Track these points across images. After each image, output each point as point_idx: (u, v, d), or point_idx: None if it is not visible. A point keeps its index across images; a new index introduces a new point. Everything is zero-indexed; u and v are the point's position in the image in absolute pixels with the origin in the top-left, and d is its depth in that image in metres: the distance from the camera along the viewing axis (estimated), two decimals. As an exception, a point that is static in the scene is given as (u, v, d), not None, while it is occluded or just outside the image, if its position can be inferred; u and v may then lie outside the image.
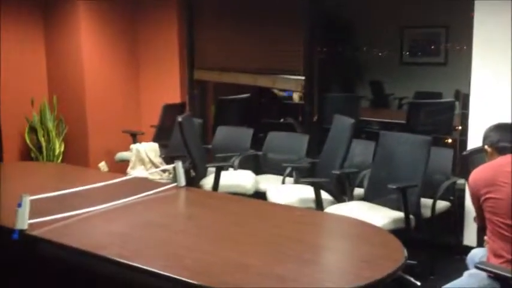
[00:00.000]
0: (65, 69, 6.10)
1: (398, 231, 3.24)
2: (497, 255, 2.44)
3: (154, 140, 5.77)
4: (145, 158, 5.47)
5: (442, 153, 4.30)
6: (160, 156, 5.49)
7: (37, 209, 2.70)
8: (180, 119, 4.43)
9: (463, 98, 5.55)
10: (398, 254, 2.38)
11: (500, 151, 2.60)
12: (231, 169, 4.86)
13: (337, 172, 4.05)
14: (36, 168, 4.72)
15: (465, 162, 3.09)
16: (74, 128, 6.11)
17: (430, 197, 3.96)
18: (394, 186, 3.58)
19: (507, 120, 3.55)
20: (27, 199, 2.64)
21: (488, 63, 4.05)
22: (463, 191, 4.11)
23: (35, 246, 2.73)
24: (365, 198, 4.06)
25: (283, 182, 4.62)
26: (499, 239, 2.43)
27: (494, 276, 2.38)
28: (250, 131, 5.41)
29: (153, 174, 5.09)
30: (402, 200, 3.57)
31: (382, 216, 3.59)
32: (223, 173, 4.46)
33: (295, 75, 5.47)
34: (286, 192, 4.21)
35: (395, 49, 7.74)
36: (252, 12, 5.77)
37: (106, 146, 6.11)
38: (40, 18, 6.13)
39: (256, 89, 6.86)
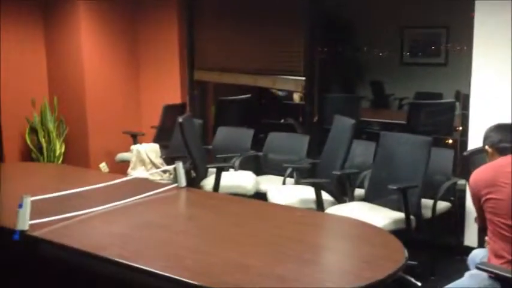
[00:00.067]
0: (65, 69, 6.10)
1: (399, 232, 3.24)
2: (498, 256, 2.44)
3: (154, 141, 5.77)
4: (145, 158, 5.47)
5: (442, 153, 4.30)
6: (160, 157, 5.50)
7: (38, 210, 2.70)
8: (180, 119, 4.44)
9: (464, 99, 5.55)
10: (399, 255, 2.38)
11: (501, 151, 2.60)
12: (231, 170, 4.86)
13: (338, 173, 4.05)
14: (36, 169, 4.72)
15: (466, 162, 3.09)
16: (75, 129, 6.11)
17: (431, 198, 3.96)
18: (395, 187, 3.58)
19: (508, 121, 3.55)
20: (28, 200, 2.64)
21: (489, 64, 4.05)
22: (464, 191, 4.11)
23: (35, 247, 2.73)
24: (366, 198, 4.05)
25: (283, 183, 4.62)
26: (499, 239, 2.43)
27: (495, 277, 2.38)
28: (251, 132, 5.41)
29: (154, 175, 5.09)
30: (403, 201, 3.57)
31: (382, 216, 3.59)
32: (223, 174, 4.45)
33: (295, 75, 5.47)
34: (287, 192, 4.21)
35: (396, 49, 7.74)
36: (252, 12, 5.77)
37: (106, 146, 6.11)
38: (40, 18, 6.13)
39: (257, 90, 6.86)
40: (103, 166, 6.14)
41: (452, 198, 4.13)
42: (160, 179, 5.13)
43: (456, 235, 4.23)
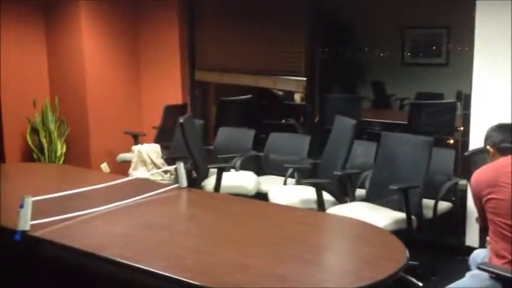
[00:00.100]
0: (66, 70, 6.11)
1: (400, 232, 3.23)
2: (499, 256, 2.44)
3: (155, 141, 5.78)
4: (147, 159, 5.47)
5: (443, 154, 4.30)
6: (161, 157, 5.50)
7: (39, 210, 2.70)
8: (181, 120, 4.44)
9: (465, 99, 5.54)
10: (400, 255, 2.38)
11: (503, 151, 2.59)
12: (232, 170, 4.86)
13: (339, 173, 4.05)
14: (38, 169, 4.72)
15: (467, 162, 3.09)
16: (76, 129, 6.11)
17: (432, 198, 3.96)
18: (396, 187, 3.58)
19: (509, 121, 3.55)
20: (29, 200, 2.64)
21: (490, 64, 4.04)
22: (465, 191, 4.11)
23: (37, 247, 2.74)
24: (367, 199, 4.05)
25: (284, 183, 4.62)
26: (501, 239, 2.43)
27: (497, 277, 2.37)
28: (252, 132, 5.41)
29: (155, 175, 5.09)
30: (404, 201, 3.56)
31: (383, 217, 3.59)
32: (224, 174, 4.46)
33: (296, 76, 5.48)
34: (288, 193, 4.21)
35: (397, 50, 7.73)
36: (253, 13, 5.77)
37: (108, 147, 6.11)
38: (41, 18, 6.14)
39: (258, 90, 6.86)
40: (104, 166, 6.15)
41: (453, 199, 4.13)
42: (161, 180, 5.14)
43: (457, 235, 4.23)
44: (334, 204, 3.97)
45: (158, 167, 5.40)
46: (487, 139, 2.69)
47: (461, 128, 5.71)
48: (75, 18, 5.93)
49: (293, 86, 5.63)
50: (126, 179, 3.67)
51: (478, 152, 3.02)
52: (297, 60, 5.46)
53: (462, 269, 2.75)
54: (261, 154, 5.21)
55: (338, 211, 3.70)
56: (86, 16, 5.91)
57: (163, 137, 5.73)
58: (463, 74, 4.49)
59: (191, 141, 4.49)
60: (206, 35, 6.15)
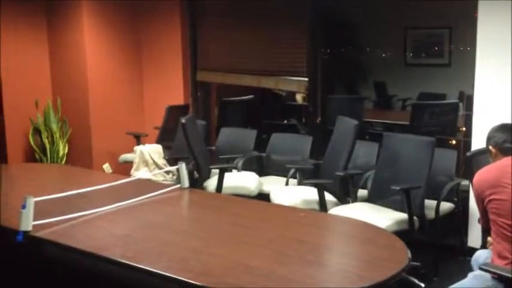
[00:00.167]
0: (68, 70, 6.12)
1: (402, 233, 3.23)
2: (501, 257, 2.43)
3: (157, 142, 5.78)
4: (149, 159, 5.47)
5: (446, 154, 4.29)
6: (163, 157, 5.50)
7: (41, 211, 2.71)
8: (183, 120, 4.44)
9: (467, 99, 5.53)
10: (402, 256, 2.38)
11: (505, 152, 2.59)
12: (234, 170, 4.86)
13: (341, 173, 4.04)
14: (40, 170, 4.73)
15: (469, 163, 3.08)
16: (78, 130, 6.12)
17: (434, 199, 3.95)
18: (398, 188, 3.57)
19: (510, 121, 3.54)
20: (31, 201, 2.65)
21: (492, 64, 4.04)
22: (467, 192, 4.10)
23: (39, 248, 2.74)
24: (369, 199, 4.05)
25: (286, 184, 4.62)
26: (503, 240, 2.43)
27: (499, 278, 2.37)
28: (254, 133, 5.41)
29: (157, 176, 5.09)
30: (406, 202, 3.56)
31: (385, 217, 3.59)
32: (226, 175, 4.45)
33: (298, 76, 5.47)
34: (290, 193, 4.21)
35: (399, 50, 7.72)
36: (255, 13, 5.77)
37: (110, 147, 6.12)
38: (43, 19, 6.15)
39: (260, 91, 6.85)
40: (106, 167, 6.15)
41: (455, 199, 4.12)
42: (163, 180, 5.14)
43: (459, 236, 4.22)
44: (336, 204, 3.97)
45: (160, 168, 5.40)
46: (489, 139, 2.69)
47: (464, 129, 5.70)
48: (77, 19, 5.94)
49: (295, 86, 5.63)
50: (128, 179, 3.67)
51: (480, 152, 3.02)
52: (299, 60, 5.46)
53: (464, 269, 2.75)
54: (263, 155, 5.21)
55: (340, 212, 3.70)
56: (88, 16, 5.92)
57: (165, 138, 5.74)
58: (466, 75, 4.48)
59: (193, 142, 4.49)
60: (208, 36, 6.16)
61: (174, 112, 5.78)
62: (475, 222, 3.97)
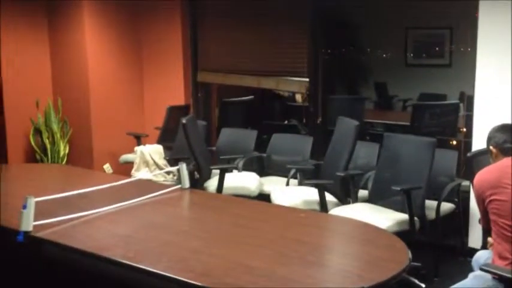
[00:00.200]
0: (69, 70, 6.12)
1: (403, 233, 3.23)
2: (502, 257, 2.43)
3: (158, 142, 5.78)
4: (149, 160, 5.47)
5: (446, 155, 4.29)
6: (164, 158, 5.50)
7: (42, 211, 2.71)
8: (184, 120, 4.44)
9: (468, 100, 5.53)
10: (402, 256, 2.38)
11: (506, 152, 2.59)
12: (235, 171, 4.86)
13: (342, 174, 4.04)
14: (41, 170, 4.73)
15: (470, 163, 3.08)
16: (79, 130, 6.12)
17: (435, 199, 3.95)
18: (399, 188, 3.57)
19: (511, 122, 3.54)
20: (32, 201, 2.65)
21: (493, 65, 4.04)
22: (468, 192, 4.10)
23: (39, 248, 2.74)
24: (369, 200, 4.05)
25: (287, 184, 4.62)
26: (504, 241, 2.43)
27: (499, 278, 2.37)
28: (254, 133, 5.41)
29: (157, 176, 5.09)
30: (406, 202, 3.56)
31: (386, 218, 3.59)
32: (227, 175, 4.45)
33: (299, 76, 5.47)
34: (291, 194, 4.21)
35: (400, 50, 7.71)
36: (256, 13, 5.77)
37: (110, 148, 6.12)
38: (44, 19, 6.15)
39: (260, 91, 6.86)
40: (107, 167, 6.15)
41: (456, 200, 4.12)
42: (164, 180, 5.14)
43: (460, 236, 4.22)
44: (337, 205, 3.97)
45: (161, 168, 5.40)
46: (490, 139, 2.69)
47: (464, 129, 5.70)
48: (78, 19, 5.94)
49: (296, 86, 5.63)
50: (128, 180, 3.68)
51: (481, 153, 3.02)
52: (299, 61, 5.46)
53: (465, 270, 2.75)
54: (264, 155, 5.21)
55: (340, 212, 3.70)
56: (89, 16, 5.92)
57: (166, 138, 5.74)
58: (466, 75, 4.48)
59: (194, 142, 4.49)
60: (209, 36, 6.16)
61: (174, 112, 5.78)
62: (475, 223, 3.96)
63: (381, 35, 7.66)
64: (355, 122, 4.16)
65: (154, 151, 5.53)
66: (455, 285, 2.52)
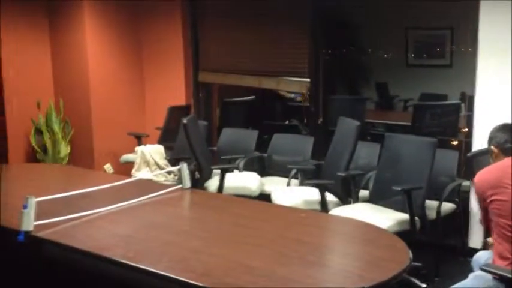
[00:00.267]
0: (70, 71, 6.12)
1: (404, 233, 3.23)
2: (502, 257, 2.43)
3: (159, 142, 5.78)
4: (150, 160, 5.48)
5: (447, 155, 4.29)
6: (165, 158, 5.50)
7: (43, 211, 2.71)
8: (185, 121, 4.44)
9: (469, 100, 5.53)
10: (403, 256, 2.38)
11: (507, 152, 2.59)
12: (236, 171, 4.86)
13: (342, 174, 4.04)
14: (41, 170, 4.73)
15: (470, 163, 3.08)
16: (80, 130, 6.12)
17: (436, 199, 3.95)
18: (399, 188, 3.57)
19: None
20: (33, 201, 2.65)
21: (494, 65, 4.03)
22: (469, 193, 4.10)
23: (40, 248, 2.74)
24: (370, 200, 4.05)
25: (288, 184, 4.62)
26: (504, 241, 2.43)
27: (500, 278, 2.37)
28: (255, 133, 5.41)
29: (158, 176, 5.09)
30: (407, 202, 3.56)
31: (387, 218, 3.59)
32: (228, 175, 4.46)
33: (300, 77, 5.47)
34: (291, 194, 4.21)
35: (401, 51, 7.72)
36: (256, 13, 5.77)
37: (111, 148, 6.12)
38: (45, 20, 6.15)
39: (261, 91, 6.86)
40: (107, 167, 6.16)
41: (457, 200, 4.12)
42: (164, 180, 5.14)
43: (461, 236, 4.21)
44: (338, 205, 3.97)
45: (161, 168, 5.40)
46: (491, 139, 2.69)
47: (465, 129, 5.69)
48: (79, 19, 5.94)
49: (297, 87, 5.63)
50: (129, 179, 3.68)
51: (482, 153, 3.02)
52: (300, 61, 5.46)
53: (465, 270, 2.75)
54: (265, 155, 5.21)
55: (341, 212, 3.70)
56: (89, 17, 5.92)
57: (166, 138, 5.74)
58: (467, 75, 4.48)
59: (195, 142, 4.49)
60: (209, 36, 6.16)
61: (175, 113, 5.78)
62: (476, 223, 3.98)
63: (381, 35, 7.66)
64: (356, 122, 4.16)
65: (155, 151, 5.53)
66: (456, 285, 2.52)
